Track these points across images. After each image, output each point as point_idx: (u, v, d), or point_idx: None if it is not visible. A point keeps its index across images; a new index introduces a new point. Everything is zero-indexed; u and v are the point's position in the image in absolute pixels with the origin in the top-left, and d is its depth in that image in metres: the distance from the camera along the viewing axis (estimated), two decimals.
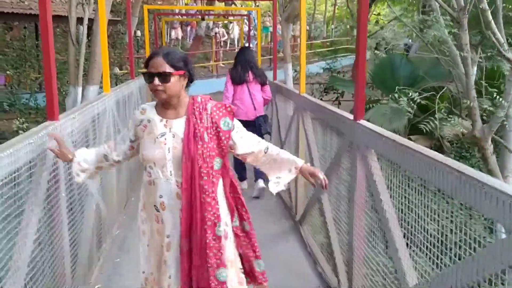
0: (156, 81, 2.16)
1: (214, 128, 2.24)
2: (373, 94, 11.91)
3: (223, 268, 2.24)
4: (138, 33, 16.84)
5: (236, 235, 2.40)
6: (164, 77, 2.16)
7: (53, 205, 2.66)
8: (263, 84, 5.40)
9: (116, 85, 11.62)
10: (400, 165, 2.37)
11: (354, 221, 2.97)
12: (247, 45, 21.91)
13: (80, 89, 7.07)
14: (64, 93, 8.12)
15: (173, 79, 2.18)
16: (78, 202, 3.22)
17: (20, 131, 7.61)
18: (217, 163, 2.24)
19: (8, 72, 9.12)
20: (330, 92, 11.68)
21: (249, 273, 2.46)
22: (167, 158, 2.21)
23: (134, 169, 5.88)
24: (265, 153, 2.39)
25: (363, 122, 2.94)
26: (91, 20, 7.27)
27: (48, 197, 2.56)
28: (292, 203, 5.01)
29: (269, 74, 8.19)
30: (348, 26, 31.52)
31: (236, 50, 24.33)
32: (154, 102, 2.33)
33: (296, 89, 5.05)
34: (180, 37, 21.51)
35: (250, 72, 5.33)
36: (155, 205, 2.29)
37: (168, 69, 2.17)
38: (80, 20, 7.46)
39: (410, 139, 10.50)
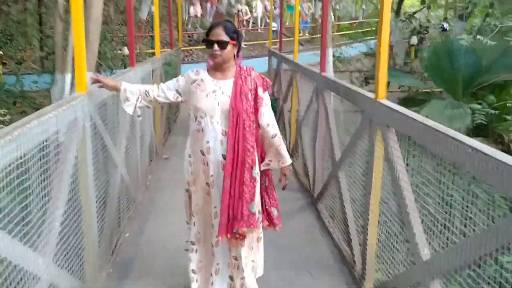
0: (215, 47, 2.67)
1: (254, 91, 2.76)
2: (419, 84, 10.18)
3: (253, 202, 2.73)
4: (153, 8, 15.20)
5: (261, 183, 2.88)
6: (222, 44, 2.66)
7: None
8: None
9: (125, 67, 10.13)
10: None
11: None
12: (274, 25, 20.22)
13: (69, 76, 5.54)
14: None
15: (228, 47, 2.68)
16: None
17: (0, 125, 6.17)
18: (256, 121, 2.77)
19: None
20: (371, 81, 9.98)
21: (267, 217, 2.98)
22: (216, 110, 2.70)
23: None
24: (272, 138, 2.83)
25: None
26: None
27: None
28: (355, 259, 3.44)
29: (300, 58, 6.65)
30: (378, 7, 29.40)
31: (259, 30, 22.70)
32: (205, 67, 2.88)
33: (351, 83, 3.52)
34: (199, 15, 19.79)
35: None
36: (201, 150, 2.76)
37: (225, 38, 2.67)
38: None
39: None
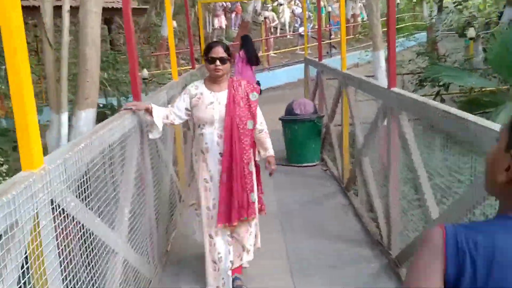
0: (218, 63, 3.17)
1: (246, 99, 3.25)
2: (488, 83, 8.67)
3: (252, 192, 3.26)
4: (174, 23, 14.24)
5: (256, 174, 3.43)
6: (223, 60, 3.18)
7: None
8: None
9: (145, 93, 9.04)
10: None
11: None
12: (301, 29, 18.89)
13: (65, 116, 4.48)
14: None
15: (227, 62, 3.22)
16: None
17: None
18: (249, 123, 3.23)
19: None
20: (425, 84, 8.58)
21: (259, 203, 3.45)
22: (215, 119, 3.18)
23: None
24: (259, 133, 3.34)
25: None
26: (75, 9, 4.69)
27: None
28: None
29: (333, 62, 5.47)
30: (413, 0, 27.54)
31: (288, 36, 21.46)
32: (202, 80, 3.35)
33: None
34: (224, 26, 18.79)
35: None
36: (201, 150, 3.25)
37: (225, 55, 3.19)
38: (58, 10, 4.83)
39: None
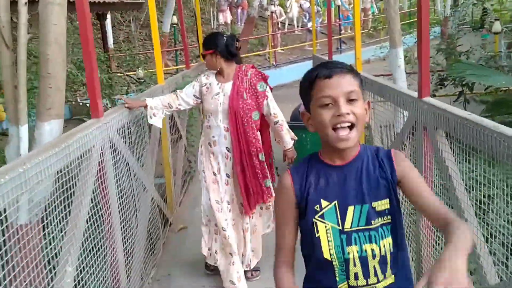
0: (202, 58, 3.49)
1: (252, 89, 3.20)
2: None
3: (266, 179, 3.31)
4: (175, 19, 13.54)
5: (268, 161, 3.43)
6: (203, 56, 3.33)
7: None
8: None
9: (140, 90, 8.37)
10: None
11: None
12: (309, 24, 18.06)
13: (25, 129, 3.76)
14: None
15: (207, 57, 3.28)
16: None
17: None
18: (255, 115, 3.22)
19: None
20: (448, 82, 7.76)
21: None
22: (219, 110, 3.19)
23: None
24: (274, 124, 3.31)
25: None
26: (34, 3, 4.02)
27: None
28: None
29: (344, 59, 4.68)
30: None
31: (296, 31, 20.60)
32: (214, 71, 3.31)
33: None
34: (229, 21, 18.02)
35: None
36: (209, 142, 3.29)
37: (202, 51, 3.32)
38: (14, 5, 4.08)
39: None
